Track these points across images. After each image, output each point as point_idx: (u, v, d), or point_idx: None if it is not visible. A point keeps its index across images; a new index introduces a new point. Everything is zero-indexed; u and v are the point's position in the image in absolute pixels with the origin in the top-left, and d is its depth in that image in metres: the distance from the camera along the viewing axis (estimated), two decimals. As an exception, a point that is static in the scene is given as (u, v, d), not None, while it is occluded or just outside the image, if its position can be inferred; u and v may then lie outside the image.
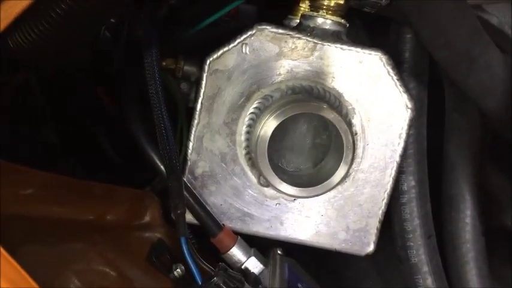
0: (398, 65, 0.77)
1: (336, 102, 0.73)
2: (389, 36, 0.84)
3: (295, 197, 0.75)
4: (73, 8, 0.56)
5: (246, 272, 0.73)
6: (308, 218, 0.77)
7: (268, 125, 0.70)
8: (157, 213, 0.77)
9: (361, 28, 0.87)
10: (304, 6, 0.80)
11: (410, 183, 0.83)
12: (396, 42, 0.81)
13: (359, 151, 0.74)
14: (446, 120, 0.84)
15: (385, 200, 0.77)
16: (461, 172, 0.84)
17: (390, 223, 0.83)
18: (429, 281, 0.83)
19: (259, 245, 0.77)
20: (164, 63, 0.79)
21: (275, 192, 0.75)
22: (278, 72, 0.72)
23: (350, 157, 0.70)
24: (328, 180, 0.71)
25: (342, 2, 0.73)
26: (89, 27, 0.63)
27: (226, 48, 0.72)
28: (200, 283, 0.67)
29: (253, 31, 0.71)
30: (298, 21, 0.78)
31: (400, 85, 0.73)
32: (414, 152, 0.83)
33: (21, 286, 0.43)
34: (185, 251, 0.67)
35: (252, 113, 0.73)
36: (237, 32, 0.72)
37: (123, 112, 0.78)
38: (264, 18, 0.74)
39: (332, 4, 0.73)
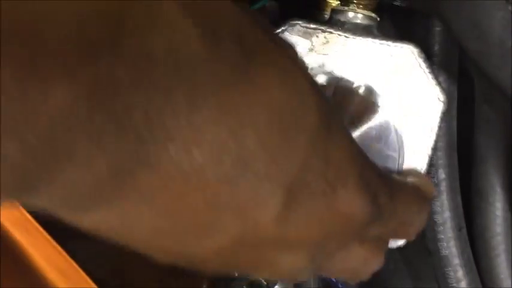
0: (428, 58, 0.77)
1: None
2: (417, 30, 0.83)
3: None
4: None
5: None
6: (339, 212, 0.77)
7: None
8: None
9: (389, 22, 0.87)
10: (333, 1, 0.81)
11: (440, 176, 0.83)
12: (425, 35, 0.81)
13: (390, 144, 0.75)
14: (476, 112, 0.84)
15: (416, 193, 0.77)
16: (491, 164, 0.83)
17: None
18: (460, 273, 0.83)
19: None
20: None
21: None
22: (310, 67, 0.73)
23: (382, 150, 0.71)
24: (361, 174, 0.71)
25: (372, -4, 0.74)
26: None
27: (258, 44, 0.72)
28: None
29: (285, 26, 0.72)
30: (327, 16, 0.78)
31: (432, 78, 0.73)
32: (444, 145, 0.83)
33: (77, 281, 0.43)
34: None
35: (283, 107, 0.74)
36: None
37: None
38: (288, 14, 0.74)
39: (363, -2, 0.73)
